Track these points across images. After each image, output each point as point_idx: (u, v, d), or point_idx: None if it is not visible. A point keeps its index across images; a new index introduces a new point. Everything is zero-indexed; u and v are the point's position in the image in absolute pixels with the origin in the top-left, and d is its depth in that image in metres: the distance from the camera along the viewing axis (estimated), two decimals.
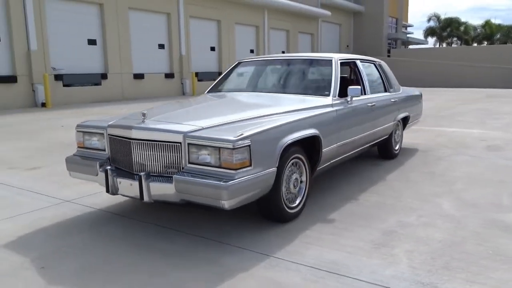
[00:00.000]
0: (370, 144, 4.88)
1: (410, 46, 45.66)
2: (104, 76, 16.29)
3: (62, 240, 3.10)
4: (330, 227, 3.29)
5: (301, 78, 4.49)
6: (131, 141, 3.06)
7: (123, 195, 3.14)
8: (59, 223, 3.44)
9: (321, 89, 4.14)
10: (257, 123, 3.13)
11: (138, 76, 17.61)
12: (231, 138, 2.74)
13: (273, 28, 25.87)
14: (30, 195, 4.17)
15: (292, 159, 3.32)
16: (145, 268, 2.65)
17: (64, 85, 14.88)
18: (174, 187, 2.83)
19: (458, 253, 2.80)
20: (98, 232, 3.24)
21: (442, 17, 50.09)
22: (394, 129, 5.49)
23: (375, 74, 5.23)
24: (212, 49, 21.78)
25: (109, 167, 3.15)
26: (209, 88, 4.88)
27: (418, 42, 47.59)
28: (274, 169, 3.01)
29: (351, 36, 34.98)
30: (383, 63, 5.56)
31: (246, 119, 3.23)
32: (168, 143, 2.94)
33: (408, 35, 46.12)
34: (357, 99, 4.32)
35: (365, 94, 4.67)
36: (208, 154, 2.83)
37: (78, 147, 3.59)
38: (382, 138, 5.21)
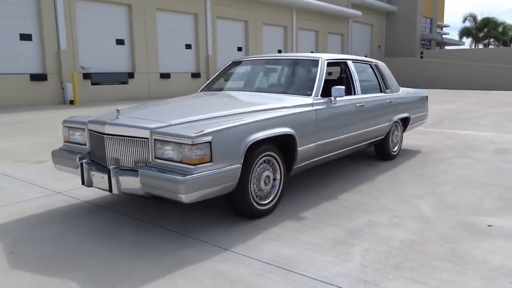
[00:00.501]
0: (362, 144, 4.87)
1: (446, 47, 44.44)
2: (131, 75, 16.78)
3: (41, 228, 3.29)
4: (298, 224, 3.33)
5: (286, 78, 4.55)
6: (104, 136, 3.22)
7: (97, 188, 3.29)
8: (44, 212, 3.64)
9: (303, 88, 4.18)
10: (226, 120, 3.21)
11: (165, 76, 18.02)
12: (191, 134, 2.84)
13: (302, 29, 25.83)
14: (28, 186, 4.41)
15: (263, 156, 3.39)
16: (108, 257, 2.79)
17: (92, 84, 15.44)
18: (139, 181, 2.96)
19: (414, 253, 2.80)
20: (79, 223, 3.41)
21: (479, 17, 48.39)
22: (391, 130, 5.45)
23: (370, 74, 5.20)
24: (239, 49, 21.99)
25: (84, 160, 3.32)
26: (203, 87, 5.02)
27: (453, 43, 46.22)
28: (239, 165, 3.09)
29: (383, 37, 34.41)
30: (380, 63, 5.51)
31: (218, 117, 3.32)
32: (137, 139, 3.07)
33: (444, 36, 44.91)
34: (342, 99, 4.33)
35: (354, 94, 4.67)
36: (172, 150, 2.94)
37: (64, 141, 3.78)
38: (377, 139, 5.18)
